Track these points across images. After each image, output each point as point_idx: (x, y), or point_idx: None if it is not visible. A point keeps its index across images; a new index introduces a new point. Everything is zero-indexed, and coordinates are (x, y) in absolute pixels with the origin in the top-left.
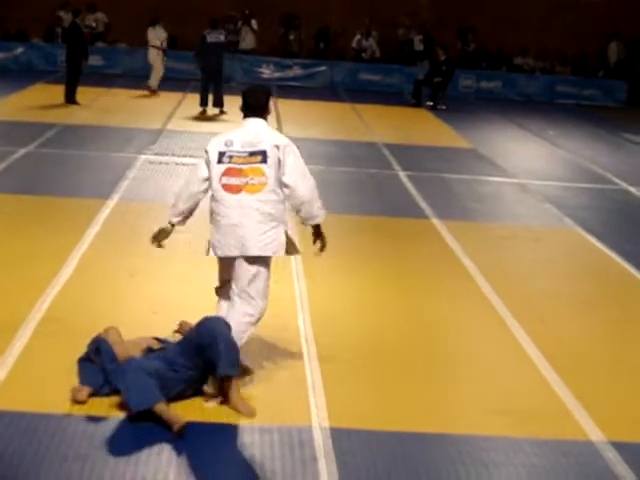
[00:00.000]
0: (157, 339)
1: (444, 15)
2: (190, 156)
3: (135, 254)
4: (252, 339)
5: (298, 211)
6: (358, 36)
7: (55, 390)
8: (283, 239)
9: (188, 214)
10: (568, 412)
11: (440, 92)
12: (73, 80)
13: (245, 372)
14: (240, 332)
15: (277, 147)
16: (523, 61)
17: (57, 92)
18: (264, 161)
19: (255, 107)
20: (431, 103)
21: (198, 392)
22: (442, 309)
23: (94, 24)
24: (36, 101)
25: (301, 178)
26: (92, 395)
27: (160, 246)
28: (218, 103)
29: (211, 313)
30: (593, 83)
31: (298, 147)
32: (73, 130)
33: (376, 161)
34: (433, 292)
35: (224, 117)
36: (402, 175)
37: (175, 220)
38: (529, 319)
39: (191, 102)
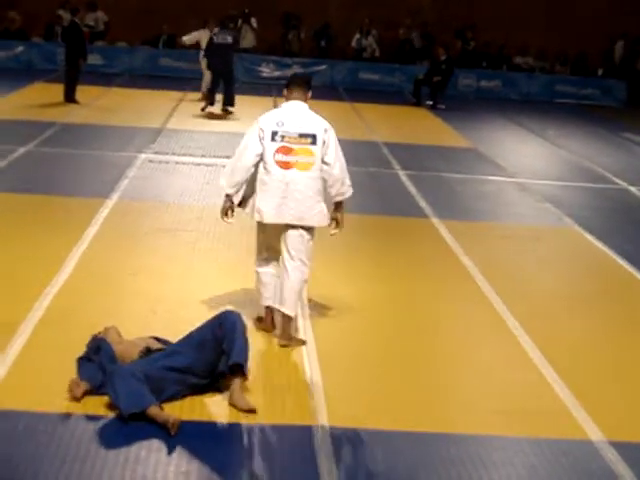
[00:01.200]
0: (156, 339)
1: (445, 14)
2: (190, 155)
3: (135, 253)
4: (250, 338)
5: (330, 187)
6: (357, 35)
7: (54, 389)
8: (326, 212)
9: (241, 186)
10: (568, 412)
11: (439, 91)
12: (72, 79)
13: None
14: (300, 290)
15: (325, 131)
16: (523, 60)
17: (57, 91)
18: (314, 143)
19: (301, 91)
20: (431, 102)
21: (196, 392)
22: (441, 308)
23: (93, 23)
24: (36, 100)
25: (338, 159)
26: (89, 393)
27: (228, 221)
28: (228, 102)
29: (211, 312)
30: (593, 83)
31: None
32: (73, 129)
33: (376, 160)
34: (432, 291)
35: (230, 116)
36: (402, 174)
37: (231, 191)
38: (529, 318)
39: (191, 101)
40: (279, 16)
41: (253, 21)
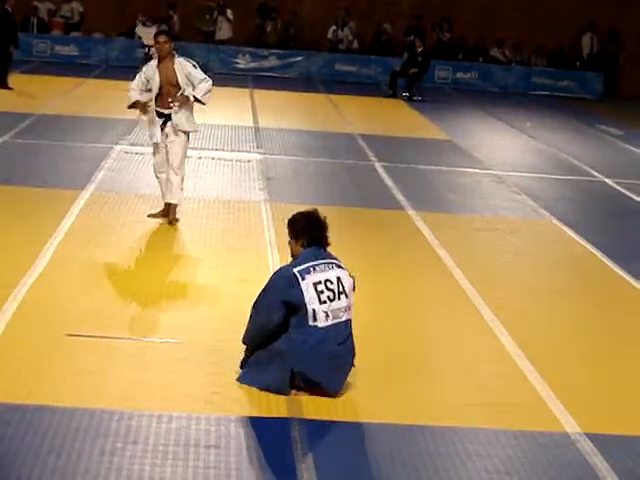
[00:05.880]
0: None
1: (423, 6)
2: None
3: (110, 244)
4: (230, 338)
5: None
6: (333, 27)
7: (29, 381)
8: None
9: (139, 93)
10: (544, 404)
11: (415, 83)
12: (3, 65)
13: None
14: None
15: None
16: (499, 52)
17: (32, 82)
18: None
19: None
20: (407, 94)
21: None
22: (417, 300)
23: (68, 14)
24: (10, 91)
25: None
26: None
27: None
28: None
29: (188, 301)
30: (569, 75)
31: (273, 137)
32: (48, 120)
33: (352, 152)
34: (407, 283)
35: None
36: (378, 166)
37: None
38: (505, 311)
39: None
40: (254, 7)
41: (229, 12)
